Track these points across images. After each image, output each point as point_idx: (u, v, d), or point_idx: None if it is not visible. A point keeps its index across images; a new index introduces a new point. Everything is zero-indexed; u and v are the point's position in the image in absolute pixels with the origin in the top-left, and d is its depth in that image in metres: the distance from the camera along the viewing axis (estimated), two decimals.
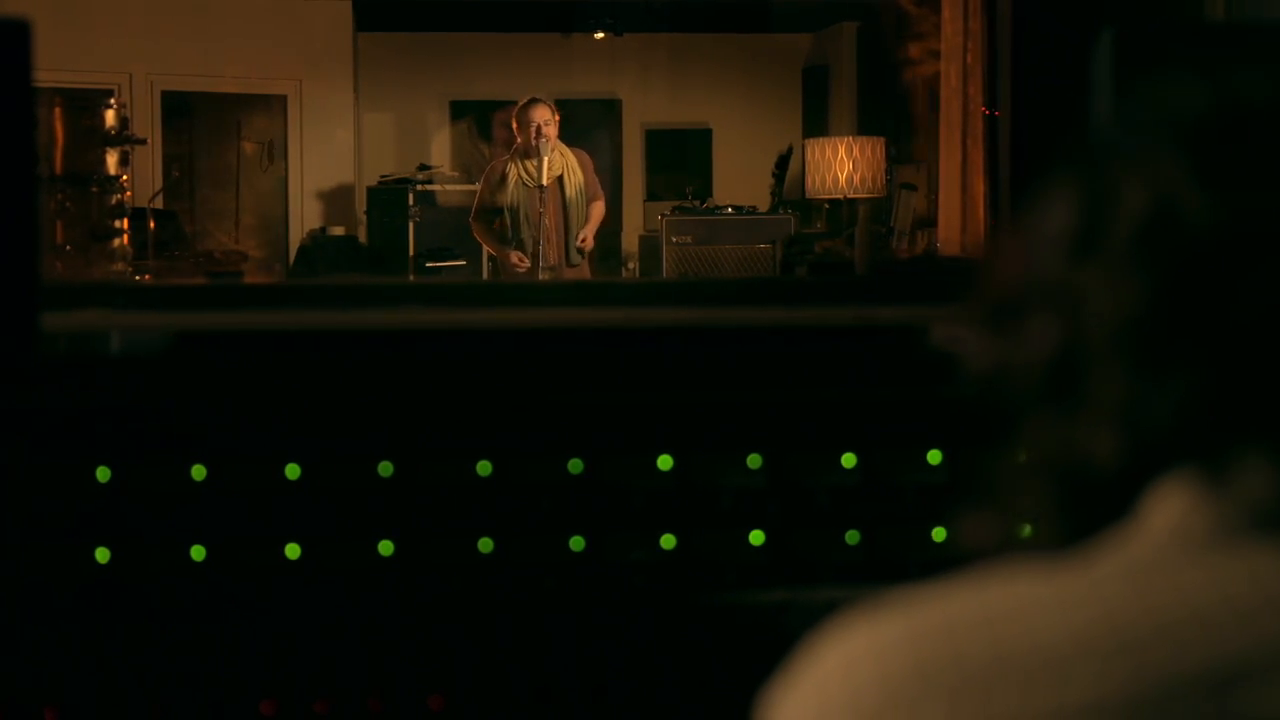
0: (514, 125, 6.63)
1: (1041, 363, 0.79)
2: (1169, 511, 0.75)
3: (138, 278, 6.85)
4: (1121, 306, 0.75)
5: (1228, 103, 0.76)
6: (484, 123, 10.02)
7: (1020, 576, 0.75)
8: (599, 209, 6.78)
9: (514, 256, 6.56)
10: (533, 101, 6.58)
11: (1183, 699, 0.68)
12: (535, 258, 6.46)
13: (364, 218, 10.11)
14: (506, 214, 6.53)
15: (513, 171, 6.56)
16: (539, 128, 6.47)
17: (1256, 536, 0.73)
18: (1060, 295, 0.78)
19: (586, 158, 6.79)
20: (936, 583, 0.76)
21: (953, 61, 4.70)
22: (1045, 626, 0.72)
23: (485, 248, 6.87)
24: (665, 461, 1.75)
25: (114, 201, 6.91)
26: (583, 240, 6.62)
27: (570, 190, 6.54)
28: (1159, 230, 0.75)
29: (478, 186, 7.02)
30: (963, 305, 0.86)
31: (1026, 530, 0.81)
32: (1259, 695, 0.68)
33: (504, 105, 7.35)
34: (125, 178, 7.05)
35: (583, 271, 6.67)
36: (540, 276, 6.34)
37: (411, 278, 9.08)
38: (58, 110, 6.96)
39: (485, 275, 8.31)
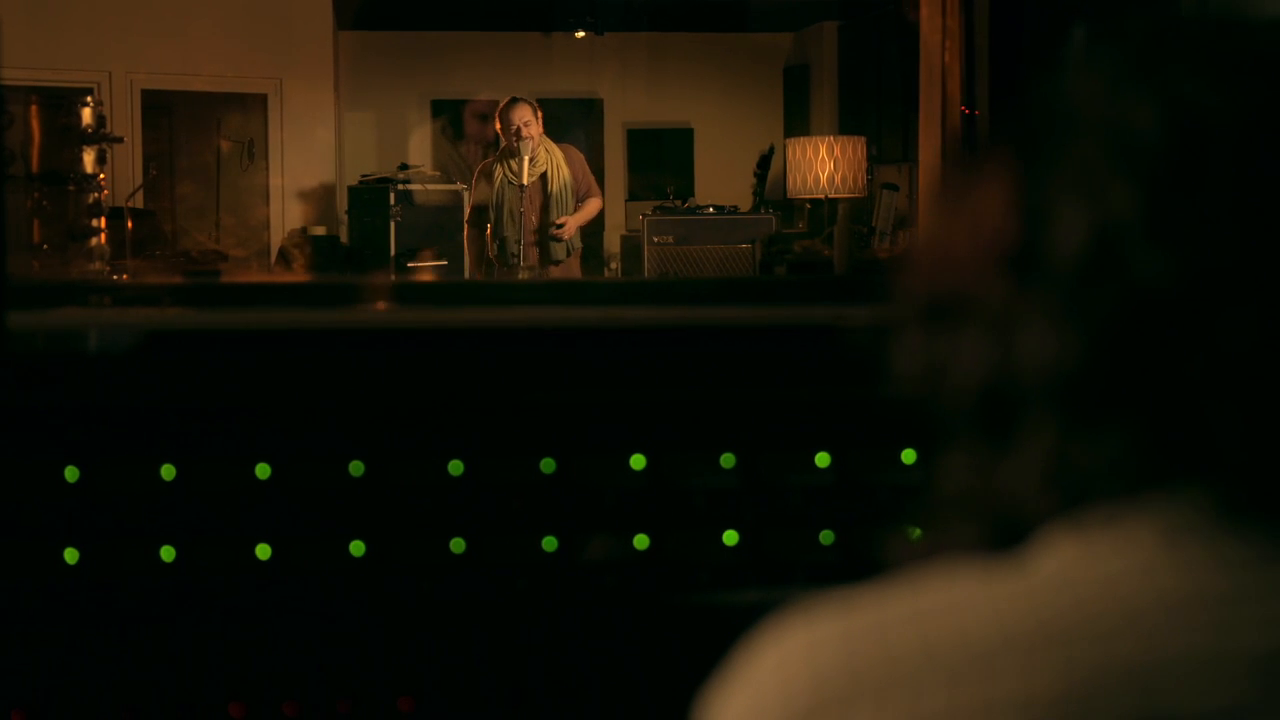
0: (497, 125, 6.65)
1: (971, 384, 0.77)
2: (1105, 515, 0.74)
3: (115, 277, 6.82)
4: (1056, 355, 0.72)
5: (1181, 123, 0.72)
6: (458, 122, 10.02)
7: (957, 575, 0.75)
8: (592, 205, 6.77)
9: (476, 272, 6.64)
10: (513, 101, 6.58)
11: (1111, 695, 0.68)
12: (516, 257, 6.46)
13: (345, 217, 10.09)
14: (490, 212, 6.54)
15: (498, 171, 6.57)
16: (519, 128, 6.47)
17: (1193, 535, 0.72)
18: (995, 314, 0.75)
19: (577, 155, 6.78)
20: (875, 583, 0.76)
21: (931, 60, 4.70)
22: (975, 622, 0.71)
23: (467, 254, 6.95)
24: (638, 461, 1.75)
25: (91, 200, 6.88)
26: (560, 228, 6.59)
27: (554, 187, 6.53)
28: (1100, 274, 0.71)
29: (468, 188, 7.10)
30: (894, 296, 0.83)
31: (955, 543, 0.80)
32: (1188, 691, 0.68)
33: (474, 100, 7.37)
34: (103, 176, 7.02)
35: (571, 271, 6.66)
36: (520, 276, 6.35)
37: (393, 277, 9.07)
38: (34, 108, 6.93)
39: (466, 275, 8.32)
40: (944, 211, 0.82)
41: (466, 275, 8.23)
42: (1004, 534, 0.77)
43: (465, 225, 6.85)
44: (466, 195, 7.14)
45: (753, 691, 0.75)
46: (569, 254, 6.63)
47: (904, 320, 0.82)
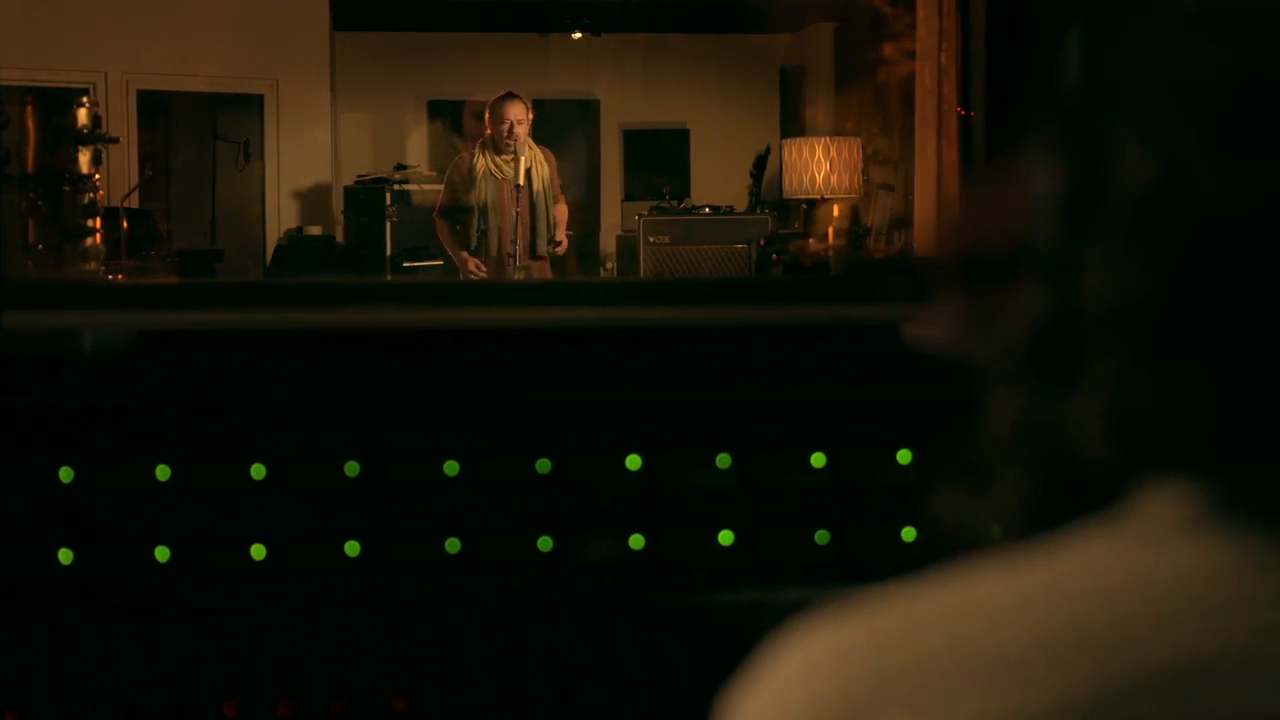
0: (486, 117, 6.63)
1: (1027, 332, 0.76)
2: (1145, 505, 0.73)
3: (110, 277, 6.81)
4: (1122, 285, 0.71)
5: (1245, 66, 0.72)
6: (458, 120, 10.02)
7: (985, 573, 0.74)
8: (562, 211, 6.79)
9: (471, 264, 6.59)
10: (509, 96, 6.57)
11: (1146, 700, 0.67)
12: (511, 256, 6.45)
13: (341, 217, 10.09)
14: (475, 210, 6.52)
15: (481, 165, 6.54)
16: (512, 124, 6.47)
17: (1226, 532, 0.71)
18: (1052, 263, 0.75)
19: (552, 158, 6.79)
20: (901, 583, 0.75)
21: (927, 61, 4.70)
22: (1007, 625, 0.70)
23: (446, 247, 6.87)
24: (634, 461, 1.74)
25: (86, 200, 6.86)
26: (561, 244, 6.65)
27: (537, 185, 6.55)
28: (1166, 202, 0.70)
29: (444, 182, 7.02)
30: (942, 258, 0.82)
31: (997, 520, 0.78)
32: (1223, 695, 0.67)
33: (472, 99, 7.37)
34: (98, 177, 7.01)
35: (544, 269, 6.67)
36: (515, 275, 6.34)
37: (389, 277, 9.06)
38: (30, 109, 6.91)
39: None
40: (993, 177, 0.81)
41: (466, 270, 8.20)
42: (1056, 483, 0.75)
43: (438, 219, 6.78)
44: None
45: (780, 696, 0.73)
46: (551, 249, 6.66)
47: (950, 279, 0.81)
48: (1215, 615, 0.69)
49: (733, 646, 0.81)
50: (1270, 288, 0.69)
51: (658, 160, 11.34)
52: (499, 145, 6.52)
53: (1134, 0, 0.77)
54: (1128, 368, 0.72)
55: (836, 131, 9.41)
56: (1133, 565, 0.71)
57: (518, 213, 6.43)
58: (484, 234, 6.52)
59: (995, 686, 0.69)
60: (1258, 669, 0.68)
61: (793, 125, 10.83)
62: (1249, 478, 0.71)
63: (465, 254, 6.63)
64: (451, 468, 1.72)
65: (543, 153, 6.69)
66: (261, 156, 10.18)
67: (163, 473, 1.69)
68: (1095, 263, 0.73)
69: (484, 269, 6.51)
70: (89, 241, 6.91)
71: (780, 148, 9.12)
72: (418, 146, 11.06)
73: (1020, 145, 0.79)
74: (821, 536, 1.77)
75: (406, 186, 9.89)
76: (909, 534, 1.78)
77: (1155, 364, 0.71)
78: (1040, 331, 0.75)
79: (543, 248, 6.58)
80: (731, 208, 9.55)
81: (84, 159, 6.94)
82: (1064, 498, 0.76)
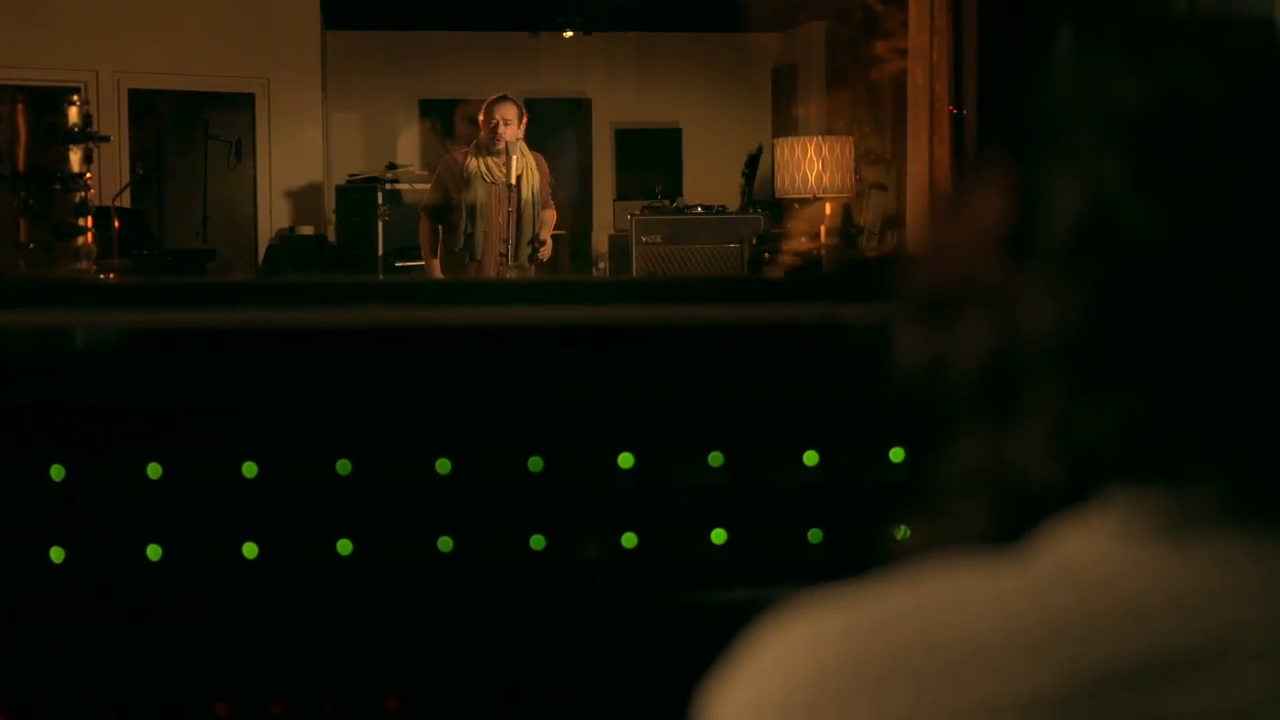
0: (480, 118, 6.63)
1: (974, 366, 0.78)
2: (1110, 508, 0.74)
3: (102, 276, 6.80)
4: (1058, 319, 0.73)
5: (1171, 98, 0.74)
6: (450, 121, 10.03)
7: (960, 570, 0.75)
8: (550, 217, 6.78)
9: (436, 264, 6.62)
10: (502, 99, 6.58)
11: (1118, 693, 0.68)
12: (504, 256, 6.46)
13: (333, 217, 10.09)
14: (463, 211, 6.52)
15: (473, 166, 6.54)
16: (499, 123, 6.47)
17: (1198, 531, 0.72)
18: (994, 296, 0.77)
19: (544, 163, 6.79)
20: (878, 577, 0.76)
21: (919, 60, 4.70)
22: (980, 618, 0.71)
23: (421, 247, 6.90)
24: (626, 460, 1.74)
25: (78, 199, 6.86)
26: (545, 245, 6.66)
27: (527, 191, 6.54)
28: (1096, 237, 0.73)
29: (432, 180, 7.03)
30: (894, 296, 0.85)
31: (961, 531, 0.80)
32: (1195, 690, 0.68)
33: (466, 101, 7.38)
34: (89, 175, 7.00)
35: (524, 274, 6.69)
36: (509, 274, 6.35)
37: (381, 277, 9.06)
38: (20, 108, 6.91)
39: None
40: (941, 212, 0.83)
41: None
42: (1012, 510, 0.77)
43: (425, 218, 6.78)
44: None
45: (754, 685, 0.74)
46: (535, 248, 6.66)
47: (905, 318, 0.83)
48: (1187, 611, 0.70)
49: (726, 645, 0.81)
50: (1204, 315, 0.71)
51: (650, 159, 11.36)
52: (488, 146, 6.52)
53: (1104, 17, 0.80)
54: (1068, 397, 0.73)
55: (829, 130, 9.43)
56: (1106, 563, 0.72)
57: (510, 213, 6.43)
58: (470, 236, 6.52)
59: (966, 676, 0.70)
60: (1226, 663, 0.68)
61: (785, 124, 10.84)
62: (1210, 485, 0.72)
63: (435, 261, 6.65)
64: (444, 466, 1.72)
65: (535, 159, 6.69)
66: (253, 156, 10.19)
67: (154, 471, 1.69)
68: (1032, 295, 0.75)
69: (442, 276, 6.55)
70: (80, 240, 6.90)
71: (772, 147, 9.14)
72: (409, 146, 11.07)
73: (1001, 149, 0.81)
74: (814, 535, 1.77)
75: (398, 186, 9.90)
76: (903, 533, 1.78)
77: (1095, 392, 0.73)
78: (985, 365, 0.77)
79: (524, 254, 6.57)
80: (724, 207, 9.56)
81: (75, 158, 6.94)
82: (1018, 528, 0.77)
